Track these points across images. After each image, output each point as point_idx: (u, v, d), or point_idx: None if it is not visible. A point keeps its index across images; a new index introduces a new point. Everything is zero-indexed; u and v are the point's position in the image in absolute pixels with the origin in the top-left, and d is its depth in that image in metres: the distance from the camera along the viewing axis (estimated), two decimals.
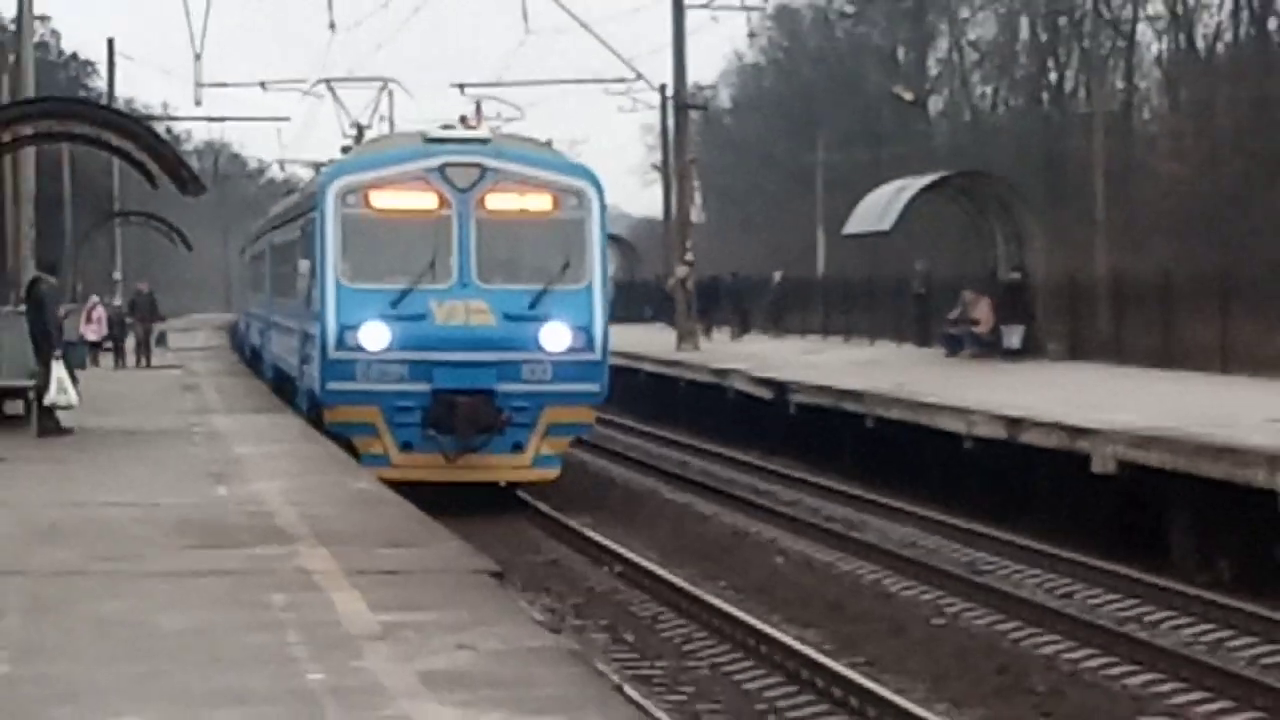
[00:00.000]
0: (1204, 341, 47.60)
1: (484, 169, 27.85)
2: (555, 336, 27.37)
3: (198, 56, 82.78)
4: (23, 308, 37.17)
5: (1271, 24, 77.32)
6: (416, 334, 27.01)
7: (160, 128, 45.69)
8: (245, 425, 34.96)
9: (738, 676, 20.60)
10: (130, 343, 60.08)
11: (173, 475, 25.80)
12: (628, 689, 13.11)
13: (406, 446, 26.92)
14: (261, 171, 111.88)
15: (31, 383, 32.24)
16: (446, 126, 29.52)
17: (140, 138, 37.35)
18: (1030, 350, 50.26)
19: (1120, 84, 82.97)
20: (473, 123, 31.07)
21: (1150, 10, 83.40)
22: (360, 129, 45.29)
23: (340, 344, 26.82)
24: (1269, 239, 60.96)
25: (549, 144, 32.97)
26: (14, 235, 49.00)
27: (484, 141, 29.11)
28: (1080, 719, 18.59)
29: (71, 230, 68.32)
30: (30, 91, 48.95)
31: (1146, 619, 23.66)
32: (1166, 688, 19.91)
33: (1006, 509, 31.74)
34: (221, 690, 12.17)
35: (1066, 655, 21.67)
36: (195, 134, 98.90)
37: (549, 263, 28.11)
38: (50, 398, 31.13)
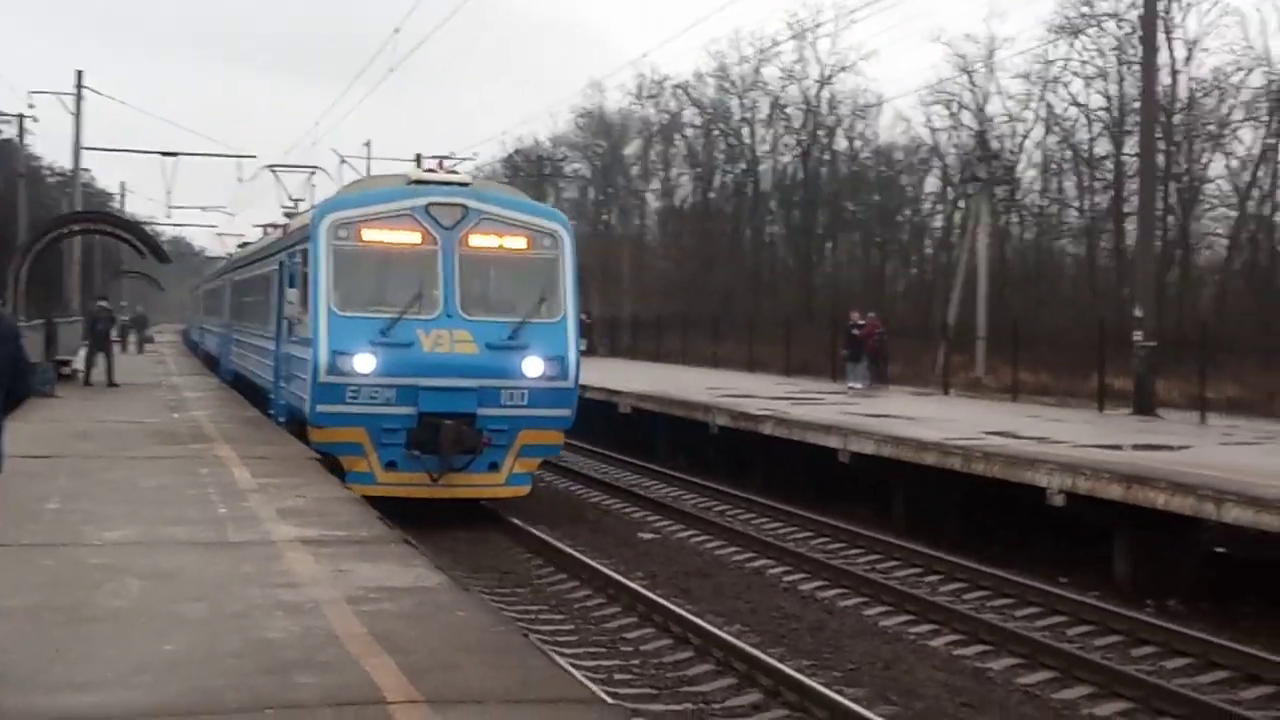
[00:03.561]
0: (675, 348, 48.53)
1: (466, 209, 18.12)
2: (533, 365, 17.79)
3: (169, 192, 79.99)
4: (75, 319, 36.04)
5: (712, 195, 78.59)
6: (404, 360, 17.35)
7: (147, 229, 44.38)
8: (189, 382, 33.98)
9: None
10: (132, 339, 58.35)
11: (150, 406, 24.94)
12: (383, 519, 12.98)
13: (391, 465, 17.49)
14: (201, 251, 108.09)
15: (73, 357, 31.25)
16: (429, 171, 19.33)
17: (137, 232, 36.30)
18: (590, 352, 50.42)
19: (638, 221, 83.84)
20: (451, 167, 20.57)
21: (653, 186, 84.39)
22: (295, 202, 35.79)
23: (332, 369, 17.31)
24: (707, 299, 62.15)
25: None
26: (67, 284, 47.79)
27: (464, 185, 19.02)
28: (612, 533, 18.78)
29: (100, 280, 65.98)
30: (78, 208, 47.58)
31: (644, 484, 23.98)
32: (654, 519, 20.20)
33: (583, 433, 31.91)
34: (172, 517, 11.94)
35: (607, 504, 21.91)
36: (166, 231, 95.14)
37: (526, 297, 18.26)
38: (74, 364, 30.41)
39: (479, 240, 18.19)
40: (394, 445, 17.38)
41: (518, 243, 18.47)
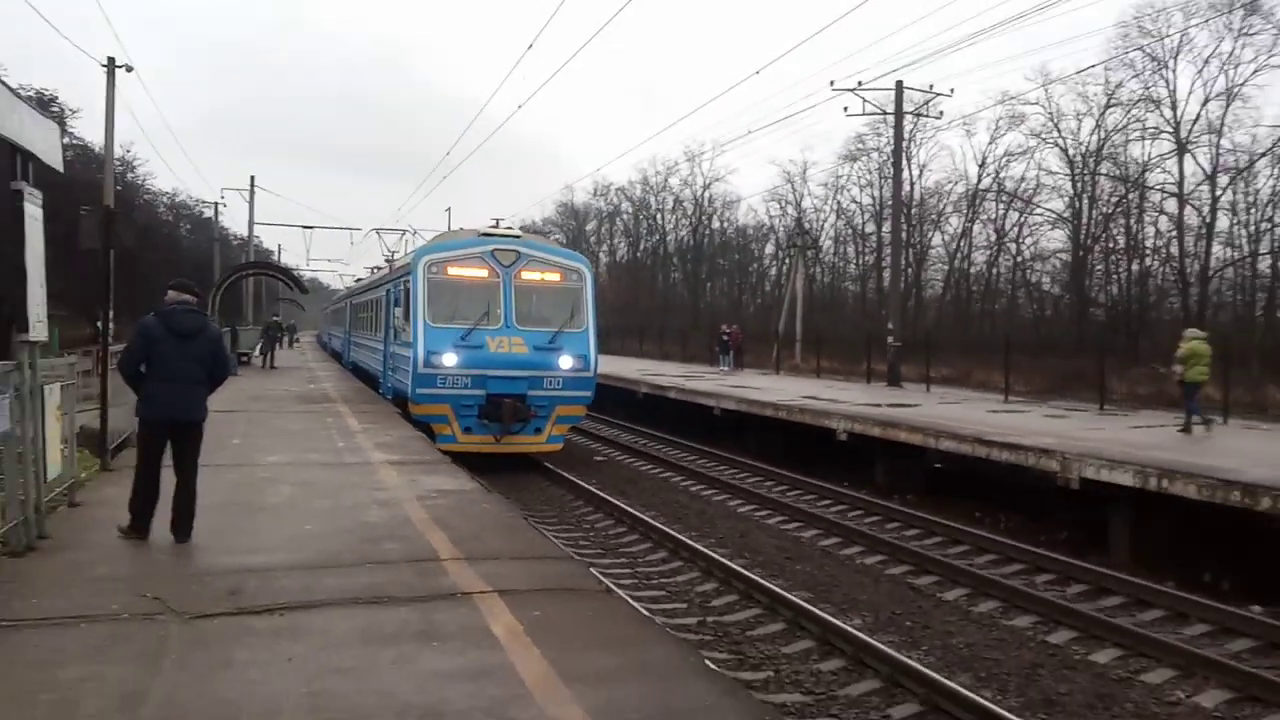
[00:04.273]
0: (616, 347, 48.19)
1: (519, 253, 16.62)
2: (565, 361, 16.09)
3: (307, 249, 78.29)
4: (250, 327, 35.19)
5: (639, 254, 78.15)
6: (477, 357, 15.77)
7: (295, 272, 43.69)
8: (321, 367, 33.21)
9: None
10: (286, 340, 56.84)
11: (297, 380, 24.44)
12: (436, 449, 12.82)
13: (467, 431, 15.78)
14: (328, 286, 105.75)
15: (252, 350, 30.57)
16: (493, 227, 17.69)
17: (288, 274, 35.63)
18: None
19: (602, 270, 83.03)
20: (506, 225, 18.28)
21: (603, 249, 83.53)
22: (392, 253, 31.39)
23: (427, 363, 15.69)
24: (636, 317, 61.87)
25: (557, 240, 23.49)
26: (245, 305, 46.86)
27: (517, 236, 17.41)
28: (577, 457, 18.42)
29: (265, 304, 64.57)
30: (251, 260, 46.69)
31: (596, 429, 23.44)
32: (603, 448, 19.77)
33: None
34: (310, 448, 11.75)
35: (575, 439, 21.29)
36: (306, 274, 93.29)
37: (560, 314, 16.50)
38: (254, 356, 29.77)
39: (527, 275, 16.76)
40: (469, 416, 15.82)
41: (554, 276, 16.99)
